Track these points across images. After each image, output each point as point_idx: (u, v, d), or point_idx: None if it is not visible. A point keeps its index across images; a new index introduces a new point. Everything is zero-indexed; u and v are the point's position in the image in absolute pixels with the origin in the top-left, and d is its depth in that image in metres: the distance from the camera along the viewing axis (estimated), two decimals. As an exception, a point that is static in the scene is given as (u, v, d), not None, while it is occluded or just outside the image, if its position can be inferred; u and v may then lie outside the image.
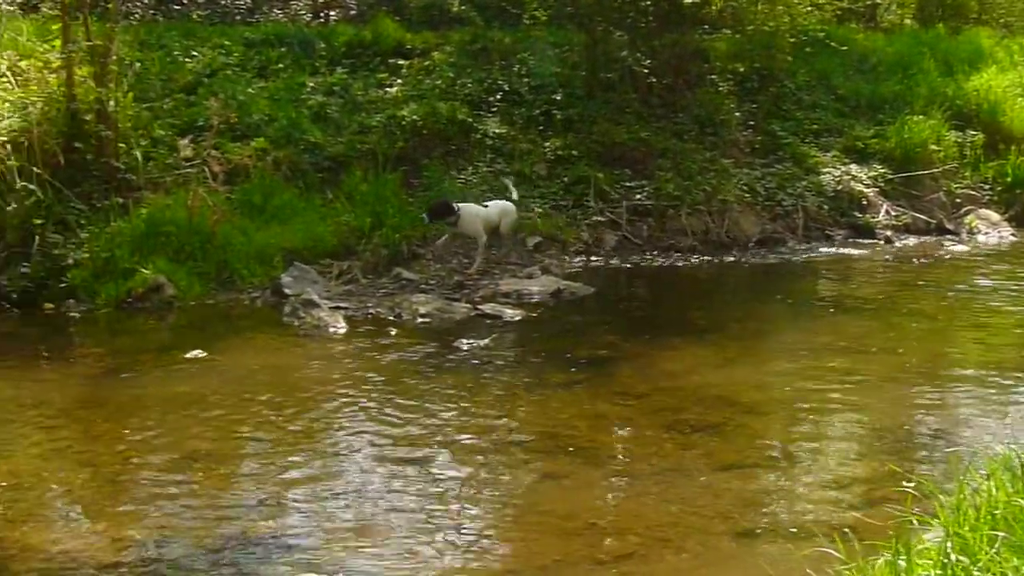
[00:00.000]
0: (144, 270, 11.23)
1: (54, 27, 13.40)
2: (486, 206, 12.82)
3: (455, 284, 12.08)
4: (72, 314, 11.02)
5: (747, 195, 15.13)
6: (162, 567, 5.62)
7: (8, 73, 12.93)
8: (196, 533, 6.01)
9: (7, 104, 12.40)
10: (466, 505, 6.56)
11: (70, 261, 11.47)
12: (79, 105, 12.59)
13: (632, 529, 6.13)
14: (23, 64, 13.13)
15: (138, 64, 14.26)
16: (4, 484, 6.75)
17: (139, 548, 5.81)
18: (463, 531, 6.17)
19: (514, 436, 7.69)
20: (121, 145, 12.72)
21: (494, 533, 6.26)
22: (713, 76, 16.88)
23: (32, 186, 11.72)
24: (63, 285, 11.33)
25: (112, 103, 12.71)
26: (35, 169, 11.87)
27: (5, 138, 11.99)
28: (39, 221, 11.65)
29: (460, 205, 12.49)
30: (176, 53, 15.62)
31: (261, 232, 12.21)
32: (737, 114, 16.40)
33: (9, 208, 11.62)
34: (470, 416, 8.06)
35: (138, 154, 12.77)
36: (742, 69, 17.04)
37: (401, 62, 16.35)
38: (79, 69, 12.73)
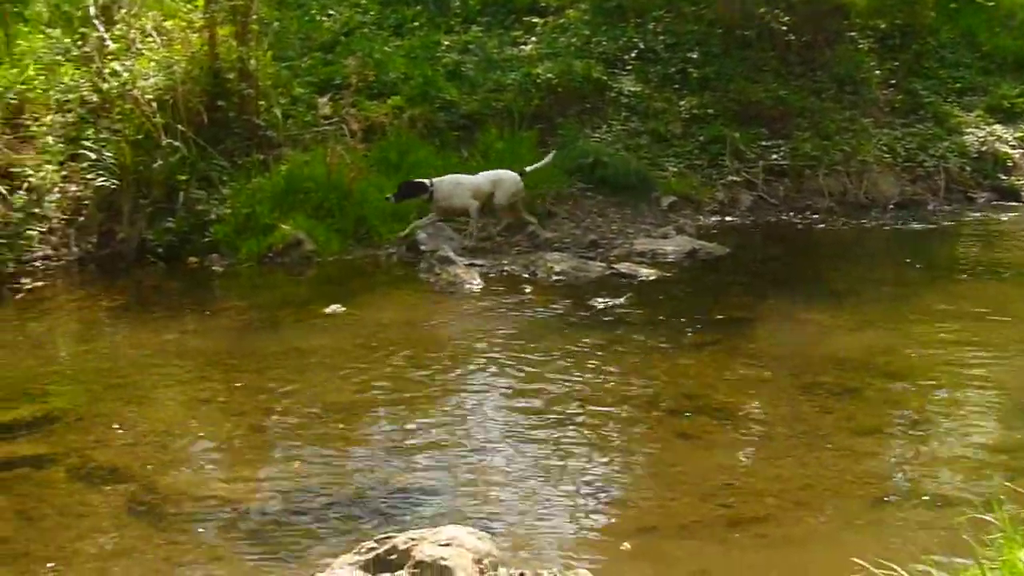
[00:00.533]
0: (284, 226, 11.47)
1: (197, -13, 13.70)
2: (476, 175, 12.14)
3: (589, 243, 12.04)
4: (215, 268, 11.34)
5: (887, 156, 14.81)
6: (307, 514, 5.75)
7: (153, 33, 13.26)
8: (338, 482, 6.14)
9: (153, 63, 12.73)
10: (601, 463, 6.57)
11: (213, 216, 11.79)
12: (221, 64, 12.86)
13: (768, 491, 6.07)
14: (167, 24, 13.44)
15: (277, 23, 14.49)
16: (155, 431, 6.98)
17: (284, 496, 5.94)
18: (599, 489, 6.18)
19: (648, 395, 7.65)
20: (261, 103, 12.99)
21: (629, 491, 6.25)
22: (853, 33, 16.52)
23: (177, 143, 12.05)
24: (206, 240, 11.66)
25: (253, 62, 12.96)
26: (179, 127, 12.20)
27: (151, 96, 12.33)
28: (183, 177, 11.99)
29: (436, 179, 11.84)
30: (313, 12, 15.86)
31: (398, 189, 12.35)
32: (877, 72, 16.05)
33: (155, 164, 11.96)
34: (604, 374, 8.04)
35: (278, 112, 13.03)
36: (883, 25, 16.64)
37: (536, 20, 16.34)
38: (221, 29, 13.00)
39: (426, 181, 11.75)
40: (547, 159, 12.43)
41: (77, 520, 5.71)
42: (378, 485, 6.12)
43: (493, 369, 8.14)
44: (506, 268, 11.08)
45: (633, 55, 15.71)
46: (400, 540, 4.36)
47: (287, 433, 7.00)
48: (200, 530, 5.61)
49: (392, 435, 6.94)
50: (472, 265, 10.91)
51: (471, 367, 8.23)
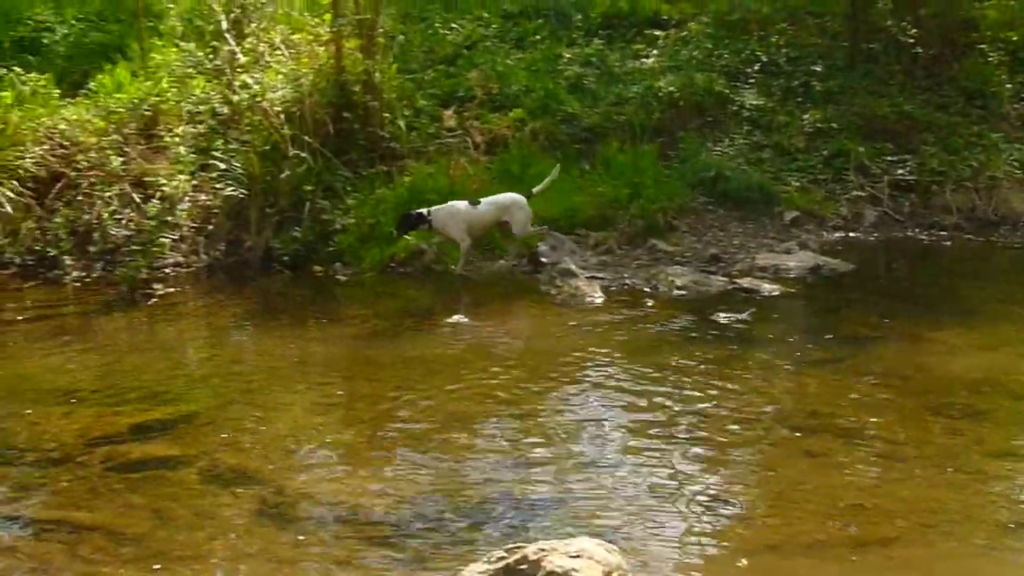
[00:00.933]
0: (407, 236, 11.61)
1: (324, 1, 13.98)
2: (478, 203, 11.58)
3: (710, 257, 11.95)
4: (339, 277, 11.55)
5: (1018, 171, 14.36)
6: (431, 521, 5.81)
7: (282, 46, 13.57)
8: (463, 492, 6.18)
9: (280, 76, 13.02)
10: (722, 479, 6.52)
11: (338, 226, 12.01)
12: (347, 76, 13.09)
13: (897, 512, 5.95)
14: (295, 38, 13.75)
15: (401, 37, 14.71)
16: (282, 436, 7.13)
17: (410, 504, 6.01)
18: (719, 505, 6.13)
19: (773, 413, 7.57)
20: (386, 115, 13.18)
21: (751, 509, 6.18)
22: (983, 46, 16.10)
23: (304, 154, 12.29)
24: (331, 249, 11.89)
25: (378, 74, 13.16)
26: (306, 138, 12.45)
27: (279, 108, 12.60)
28: (309, 188, 12.22)
29: (435, 208, 11.46)
30: (437, 25, 16.06)
31: (519, 201, 12.42)
32: (1008, 86, 15.60)
33: (282, 175, 12.22)
34: (726, 390, 7.96)
35: (402, 124, 13.23)
36: (1015, 38, 16.20)
37: (657, 33, 16.33)
38: (347, 42, 13.23)
39: (424, 211, 11.46)
40: (552, 175, 11.92)
41: (209, 520, 5.86)
42: (499, 495, 6.15)
43: (612, 382, 8.11)
44: (627, 281, 11.05)
45: (756, 68, 15.59)
46: (531, 550, 4.38)
47: (409, 441, 7.07)
48: (327, 534, 5.71)
49: (512, 446, 6.96)
50: (593, 278, 10.91)
51: (591, 380, 8.21)
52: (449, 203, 11.60)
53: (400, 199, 12.04)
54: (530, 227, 11.69)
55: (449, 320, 9.69)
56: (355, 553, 5.49)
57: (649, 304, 10.31)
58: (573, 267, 10.96)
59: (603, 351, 8.89)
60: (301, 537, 5.65)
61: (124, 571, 5.31)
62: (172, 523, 5.82)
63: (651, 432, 7.14)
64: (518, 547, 4.48)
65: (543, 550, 4.35)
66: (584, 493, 6.22)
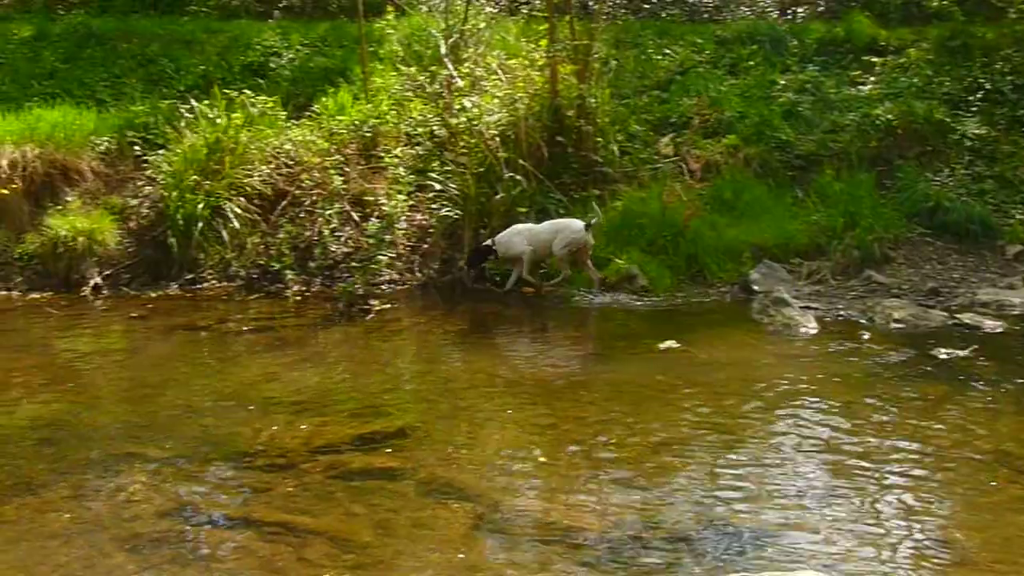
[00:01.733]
0: (618, 260, 11.65)
1: (539, 27, 14.16)
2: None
3: (929, 290, 11.59)
4: (549, 299, 11.63)
5: None
6: (646, 545, 5.78)
7: (498, 71, 13.78)
8: (674, 518, 6.13)
9: (496, 100, 13.22)
10: (942, 519, 6.29)
11: (549, 249, 12.12)
12: (561, 101, 13.23)
13: None
14: (511, 63, 13.94)
15: (614, 62, 14.77)
16: (496, 453, 7.23)
17: (620, 528, 6.00)
18: (938, 545, 5.90)
19: (995, 453, 7.25)
20: (599, 140, 13.25)
21: (978, 554, 5.94)
22: None
23: (518, 176, 12.45)
24: (542, 271, 11.99)
25: (592, 99, 13.25)
26: (520, 161, 12.61)
27: (495, 131, 12.81)
28: (523, 210, 12.40)
29: (498, 236, 11.99)
30: (650, 51, 16.06)
31: (731, 228, 12.35)
32: None
33: (497, 196, 12.41)
34: (945, 429, 7.67)
35: (615, 148, 13.28)
36: None
37: (875, 59, 15.95)
38: (562, 67, 13.36)
39: (489, 242, 11.97)
40: (597, 216, 11.93)
41: (428, 532, 5.96)
42: (709, 523, 6.07)
43: (826, 415, 7.94)
44: (842, 312, 10.83)
45: (978, 96, 15.03)
46: (758, 580, 4.33)
47: (620, 464, 7.05)
48: (540, 553, 5.74)
49: (721, 474, 6.87)
50: (807, 308, 10.72)
51: (804, 411, 8.03)
52: (509, 228, 12.05)
53: (612, 222, 12.09)
54: (563, 250, 11.75)
55: (661, 346, 9.64)
56: (568, 574, 5.50)
57: (865, 336, 10.06)
58: (786, 296, 10.80)
59: (817, 382, 8.73)
60: (517, 554, 5.70)
61: (348, 577, 5.46)
62: (392, 533, 5.95)
63: (865, 467, 6.94)
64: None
65: (772, 581, 4.28)
66: (795, 526, 6.08)
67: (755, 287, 11.37)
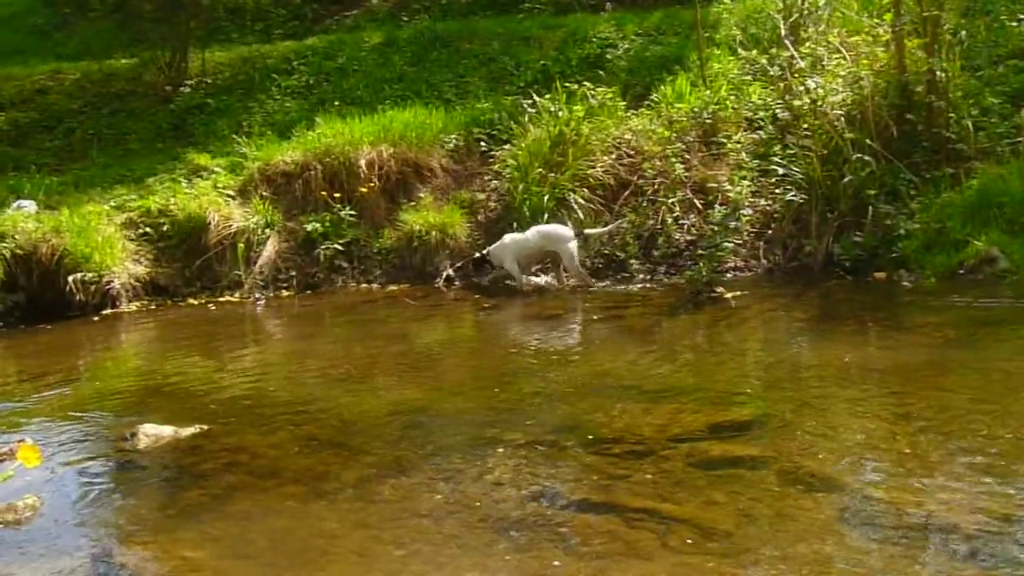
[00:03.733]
0: (976, 242, 11.07)
1: (882, 1, 13.66)
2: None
3: None
4: (903, 283, 11.21)
5: None
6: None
7: (840, 48, 13.40)
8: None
9: (839, 79, 12.86)
10: None
11: (901, 231, 11.69)
12: (909, 76, 12.71)
13: None
14: (852, 39, 13.53)
15: (964, 32, 14.03)
16: (858, 443, 7.03)
17: (1005, 522, 5.70)
18: None
19: None
20: (951, 115, 12.64)
21: None
22: None
23: (866, 157, 12.06)
24: (893, 255, 11.58)
25: (942, 73, 12.65)
26: (867, 141, 12.21)
27: (840, 112, 12.46)
28: (872, 192, 12.00)
29: (493, 246, 12.55)
30: (1003, 17, 15.14)
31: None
32: None
33: (844, 179, 12.07)
34: None
35: (968, 124, 12.62)
36: None
37: None
38: (909, 41, 12.83)
39: (484, 252, 12.38)
40: (610, 228, 12.17)
41: (792, 523, 5.86)
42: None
43: None
44: None
45: None
46: None
47: (995, 457, 6.67)
48: (911, 547, 5.53)
49: None
50: None
51: None
52: (502, 238, 12.64)
53: (968, 202, 11.51)
54: (576, 262, 11.88)
55: (1030, 332, 9.12)
56: (951, 569, 5.27)
57: None
58: None
59: None
60: (890, 547, 5.52)
61: (714, 565, 5.44)
62: (756, 522, 5.89)
63: None
64: None
65: None
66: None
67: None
